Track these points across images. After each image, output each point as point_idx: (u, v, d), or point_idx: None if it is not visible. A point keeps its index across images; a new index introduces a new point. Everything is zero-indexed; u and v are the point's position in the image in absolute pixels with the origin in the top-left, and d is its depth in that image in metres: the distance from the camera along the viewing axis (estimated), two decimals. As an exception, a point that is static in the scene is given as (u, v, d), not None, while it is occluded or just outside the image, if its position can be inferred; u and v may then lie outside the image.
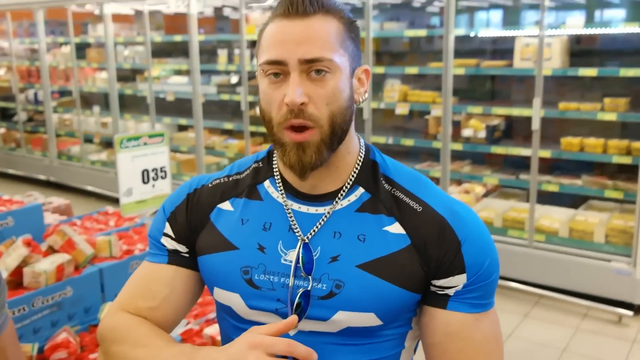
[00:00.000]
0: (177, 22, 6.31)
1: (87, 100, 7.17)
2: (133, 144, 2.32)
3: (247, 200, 1.10)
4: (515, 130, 4.59)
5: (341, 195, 1.05)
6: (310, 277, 1.01)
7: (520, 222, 4.14)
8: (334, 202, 1.05)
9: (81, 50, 6.81)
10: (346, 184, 1.06)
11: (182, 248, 1.14)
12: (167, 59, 6.36)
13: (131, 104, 6.84)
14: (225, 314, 1.12)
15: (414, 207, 1.04)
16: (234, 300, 1.06)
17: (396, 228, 1.03)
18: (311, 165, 0.99)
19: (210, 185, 1.15)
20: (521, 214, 4.17)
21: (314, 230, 1.03)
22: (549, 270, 3.93)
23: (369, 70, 1.07)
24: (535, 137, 3.87)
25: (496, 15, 4.83)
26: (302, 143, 0.97)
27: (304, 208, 1.06)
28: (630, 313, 3.64)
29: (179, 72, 6.40)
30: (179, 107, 6.19)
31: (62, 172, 7.03)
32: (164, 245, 1.14)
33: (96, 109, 6.83)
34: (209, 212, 1.12)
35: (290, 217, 1.05)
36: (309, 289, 1.01)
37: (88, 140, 7.00)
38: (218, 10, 6.21)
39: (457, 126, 4.41)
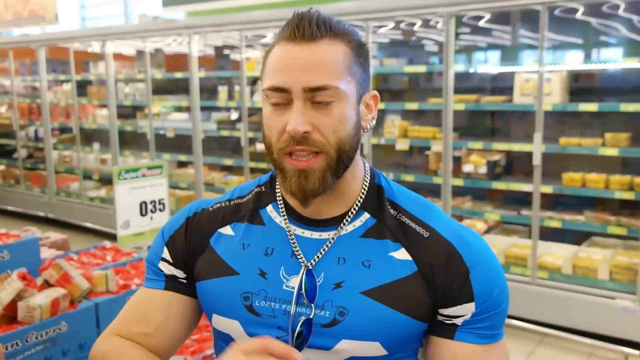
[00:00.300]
0: (178, 60, 6.37)
1: (87, 137, 7.18)
2: (131, 175, 2.29)
3: (248, 225, 1.07)
4: (516, 165, 4.58)
5: (347, 220, 1.02)
6: (312, 304, 0.97)
7: (523, 259, 4.09)
8: (339, 228, 1.02)
9: (82, 87, 6.86)
10: (352, 209, 1.03)
11: (180, 273, 1.10)
12: (167, 96, 6.40)
13: (131, 141, 6.85)
14: (223, 342, 1.07)
15: (421, 232, 1.01)
16: (233, 328, 1.02)
17: (402, 254, 1.00)
18: (313, 192, 0.96)
19: (210, 209, 1.12)
20: (523, 251, 4.12)
21: (318, 256, 1.00)
22: (553, 308, 3.86)
23: (377, 96, 1.04)
24: (536, 173, 3.85)
25: (495, 53, 4.87)
26: (304, 170, 0.95)
27: (307, 233, 1.03)
28: (636, 352, 3.56)
29: (179, 109, 6.42)
30: (179, 143, 6.19)
31: (61, 209, 6.99)
32: (162, 271, 1.11)
33: (96, 145, 6.83)
34: (209, 237, 1.09)
35: (293, 242, 1.02)
36: (311, 317, 0.97)
37: (87, 176, 6.99)
38: (219, 49, 6.27)
39: (457, 162, 4.40)
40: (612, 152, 3.76)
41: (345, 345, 0.96)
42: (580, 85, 4.29)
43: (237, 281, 1.02)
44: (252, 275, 1.02)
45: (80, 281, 2.41)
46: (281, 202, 1.07)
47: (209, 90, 6.09)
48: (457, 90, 4.17)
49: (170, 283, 1.10)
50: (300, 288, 0.98)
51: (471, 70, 4.64)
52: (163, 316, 1.07)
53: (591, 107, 3.79)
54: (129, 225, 2.36)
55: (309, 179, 0.95)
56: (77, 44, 6.48)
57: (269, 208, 1.08)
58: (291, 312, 0.98)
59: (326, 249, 1.00)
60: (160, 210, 2.41)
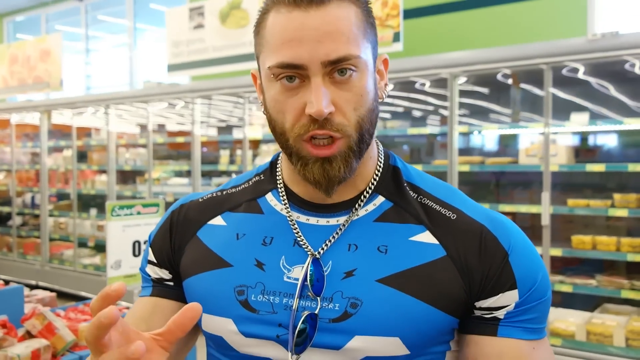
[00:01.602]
0: (180, 126, 6.39)
1: (85, 204, 7.09)
2: (125, 212, 2.17)
3: (244, 214, 0.94)
4: (522, 229, 4.45)
5: (360, 203, 0.89)
6: (319, 297, 0.83)
7: (534, 326, 3.90)
8: (351, 212, 0.89)
9: (83, 155, 6.84)
10: (366, 191, 0.90)
11: (165, 274, 0.97)
12: (168, 161, 6.37)
13: (129, 207, 6.75)
14: (214, 350, 0.93)
15: (447, 214, 0.88)
16: (225, 328, 0.87)
17: (427, 237, 0.86)
18: (339, 178, 0.84)
19: (200, 200, 1.00)
20: (534, 317, 3.93)
21: (327, 244, 0.87)
22: (568, 378, 3.64)
23: (388, 59, 0.92)
24: (545, 233, 3.74)
25: (499, 115, 4.87)
26: (328, 157, 0.82)
27: (312, 220, 0.90)
28: None
29: (179, 174, 6.38)
30: (178, 208, 6.09)
31: (53, 276, 6.79)
32: (149, 275, 0.99)
33: (93, 211, 6.73)
34: (197, 229, 0.96)
35: (296, 230, 0.89)
36: (316, 312, 0.82)
37: (82, 244, 6.84)
38: (221, 122, 6.31)
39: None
40: (621, 213, 3.66)
41: (359, 343, 0.81)
42: (588, 144, 4.26)
43: (230, 273, 0.89)
44: (247, 266, 0.88)
45: (65, 333, 2.25)
46: (282, 188, 0.94)
47: (210, 153, 6.07)
48: (462, 151, 4.13)
49: (157, 288, 0.97)
50: (305, 279, 0.84)
51: (475, 132, 4.62)
52: (145, 326, 0.92)
53: (598, 167, 3.73)
54: (120, 266, 2.21)
55: (332, 164, 0.83)
56: (79, 112, 6.52)
57: (269, 196, 0.95)
58: (293, 307, 0.83)
59: (336, 236, 0.87)
60: (154, 251, 2.26)
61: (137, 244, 2.24)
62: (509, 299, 0.83)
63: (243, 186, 0.99)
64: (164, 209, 2.35)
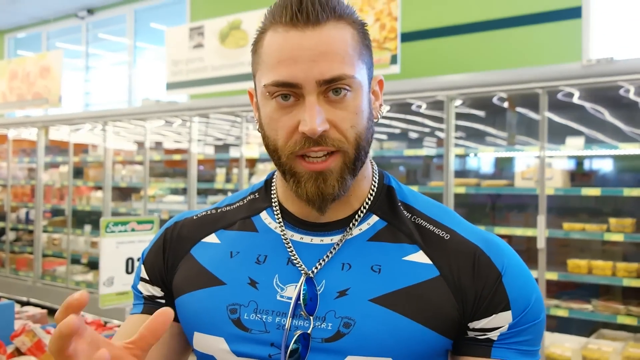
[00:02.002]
0: (177, 144, 6.40)
1: (80, 220, 7.06)
2: (120, 228, 2.16)
3: (238, 232, 0.94)
4: (518, 252, 4.43)
5: (354, 222, 0.89)
6: (311, 317, 0.83)
7: (529, 351, 3.87)
8: (346, 231, 0.89)
9: (79, 171, 6.83)
10: (360, 211, 0.90)
11: (157, 291, 0.96)
12: (164, 178, 6.36)
13: (124, 224, 6.72)
14: None
15: (441, 234, 0.88)
16: (217, 347, 0.86)
17: (420, 257, 0.86)
18: (333, 196, 0.84)
19: (195, 217, 1.00)
20: (529, 342, 3.90)
21: (321, 263, 0.86)
22: (564, 405, 3.60)
23: (383, 80, 0.93)
24: (541, 256, 3.73)
25: (495, 138, 4.89)
26: (321, 172, 0.82)
27: (307, 239, 0.90)
28: None
29: (175, 191, 6.36)
30: (173, 226, 6.08)
31: (44, 293, 6.73)
32: (141, 293, 0.98)
33: (87, 228, 6.70)
34: (190, 246, 0.95)
35: (290, 248, 0.89)
36: (308, 331, 0.82)
37: (75, 260, 6.79)
38: (218, 140, 6.32)
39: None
40: (617, 237, 3.66)
41: None
42: (584, 168, 4.27)
43: (223, 292, 0.88)
44: (240, 284, 0.88)
45: (55, 349, 2.22)
46: (277, 206, 0.95)
47: (206, 172, 6.06)
48: (458, 173, 4.13)
49: (148, 305, 0.97)
50: (298, 298, 0.84)
51: (472, 155, 4.63)
52: None
53: (594, 191, 3.73)
54: (113, 283, 2.19)
55: (327, 181, 0.83)
56: (77, 128, 6.53)
57: (263, 214, 0.95)
58: (286, 326, 0.83)
59: (330, 255, 0.87)
60: (147, 268, 2.24)
61: (130, 261, 2.23)
62: (502, 320, 0.83)
63: (238, 204, 0.99)
64: (158, 226, 2.34)
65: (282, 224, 0.92)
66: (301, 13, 0.80)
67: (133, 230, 2.21)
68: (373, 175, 0.95)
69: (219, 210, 1.00)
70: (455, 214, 0.95)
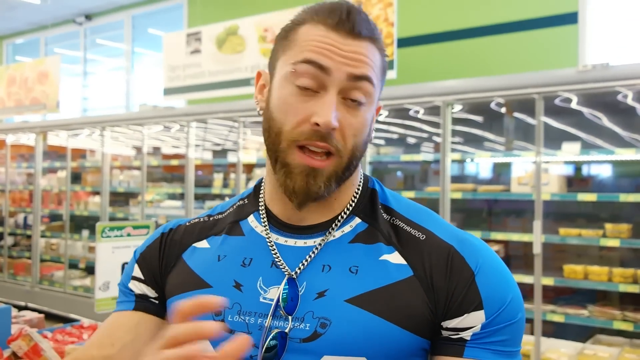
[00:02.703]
0: (174, 149, 6.41)
1: (77, 225, 7.06)
2: (115, 233, 2.17)
3: (226, 237, 0.97)
4: (514, 257, 4.46)
5: (335, 225, 0.91)
6: (290, 316, 0.84)
7: (526, 356, 3.87)
8: (327, 233, 0.91)
9: (78, 176, 6.83)
10: (342, 214, 0.93)
11: (150, 292, 0.99)
12: (162, 183, 6.37)
13: (121, 229, 6.72)
14: None
15: (417, 235, 0.89)
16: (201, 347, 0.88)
17: (396, 258, 0.87)
18: (317, 195, 0.86)
19: (188, 224, 1.03)
20: (526, 347, 3.90)
21: (303, 264, 0.88)
22: (560, 410, 3.60)
23: (381, 107, 0.97)
24: (537, 262, 3.74)
25: (493, 143, 4.91)
26: (315, 169, 0.85)
27: (290, 241, 0.92)
28: None
29: (173, 196, 6.37)
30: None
31: (42, 298, 6.73)
32: (132, 291, 1.00)
33: (85, 233, 6.70)
34: (182, 251, 0.99)
35: (274, 251, 0.91)
36: (286, 330, 0.84)
37: (73, 265, 6.79)
38: (216, 145, 6.34)
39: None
40: (613, 243, 3.67)
41: None
42: (580, 173, 4.28)
43: (209, 294, 0.90)
44: (225, 287, 0.90)
45: (51, 355, 2.23)
46: (263, 210, 0.97)
47: (204, 177, 6.07)
48: (454, 178, 4.14)
49: (141, 303, 0.99)
50: (278, 299, 0.86)
51: (468, 160, 4.65)
52: (129, 336, 0.95)
53: (590, 197, 3.74)
54: (108, 288, 2.20)
55: (316, 179, 0.85)
56: (75, 134, 6.54)
57: (250, 218, 0.98)
58: (266, 326, 0.85)
59: (311, 257, 0.89)
60: (143, 273, 2.24)
61: (126, 266, 2.23)
62: (474, 319, 0.83)
63: (228, 211, 1.02)
64: (154, 229, 2.35)
65: (267, 227, 0.94)
66: (348, 22, 0.84)
67: (129, 235, 2.22)
68: (359, 179, 0.97)
69: (211, 218, 1.02)
70: (436, 216, 0.96)
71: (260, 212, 0.97)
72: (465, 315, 0.83)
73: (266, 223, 0.95)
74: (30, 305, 6.80)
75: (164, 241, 1.01)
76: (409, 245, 0.88)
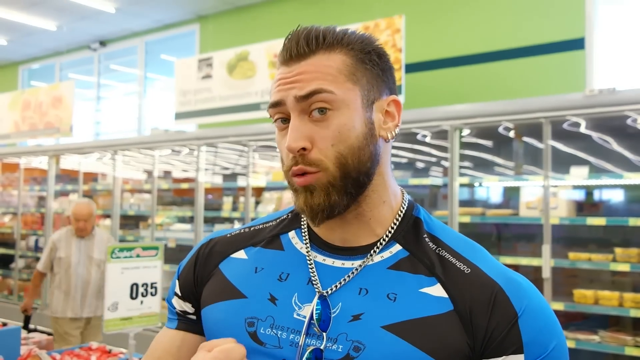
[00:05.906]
0: (184, 172, 6.46)
1: (88, 248, 7.09)
2: (125, 254, 2.19)
3: (264, 249, 0.98)
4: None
5: (376, 249, 0.91)
6: (324, 334, 0.85)
7: (536, 382, 3.82)
8: (367, 257, 0.91)
9: (88, 197, 6.89)
10: (382, 239, 0.92)
11: (188, 307, 1.01)
12: (172, 207, 6.41)
13: (131, 253, 6.75)
14: None
15: (462, 268, 0.88)
16: None
17: (437, 290, 0.86)
18: (321, 208, 0.87)
19: (228, 236, 1.04)
20: (537, 373, 3.85)
21: (337, 285, 0.89)
22: None
23: (399, 101, 0.94)
24: (546, 286, 3.71)
25: (502, 168, 4.91)
26: (307, 186, 0.87)
27: (329, 261, 0.93)
28: None
29: (182, 220, 6.40)
30: (180, 254, 6.09)
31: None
32: (174, 307, 1.03)
33: (95, 256, 6.73)
34: (219, 261, 1.00)
35: (312, 269, 0.92)
36: (321, 347, 0.84)
37: (83, 288, 6.80)
38: (225, 169, 6.39)
39: (464, 277, 4.26)
40: (623, 267, 3.64)
41: None
42: (589, 198, 4.26)
43: (243, 305, 0.92)
44: (260, 299, 0.91)
45: (59, 375, 2.24)
46: (305, 228, 0.98)
47: (213, 200, 6.10)
48: (462, 202, 4.14)
49: (182, 322, 1.01)
50: (311, 317, 0.86)
51: (476, 184, 4.65)
52: (173, 359, 0.98)
53: (599, 221, 3.73)
54: (117, 308, 2.21)
55: (314, 194, 0.87)
56: (87, 157, 6.61)
57: (291, 234, 0.99)
58: (300, 343, 0.85)
59: (347, 278, 0.89)
60: (152, 294, 2.26)
61: (135, 287, 2.25)
62: None
63: (270, 224, 1.04)
64: (163, 252, 2.38)
65: (308, 245, 0.96)
66: (295, 48, 0.89)
67: (138, 256, 2.24)
68: (402, 204, 0.96)
69: (251, 229, 1.04)
70: (484, 251, 0.94)
71: (302, 229, 0.99)
72: (504, 357, 0.81)
73: (307, 240, 0.96)
74: (39, 327, 6.81)
75: (200, 254, 1.03)
76: (453, 277, 0.87)
